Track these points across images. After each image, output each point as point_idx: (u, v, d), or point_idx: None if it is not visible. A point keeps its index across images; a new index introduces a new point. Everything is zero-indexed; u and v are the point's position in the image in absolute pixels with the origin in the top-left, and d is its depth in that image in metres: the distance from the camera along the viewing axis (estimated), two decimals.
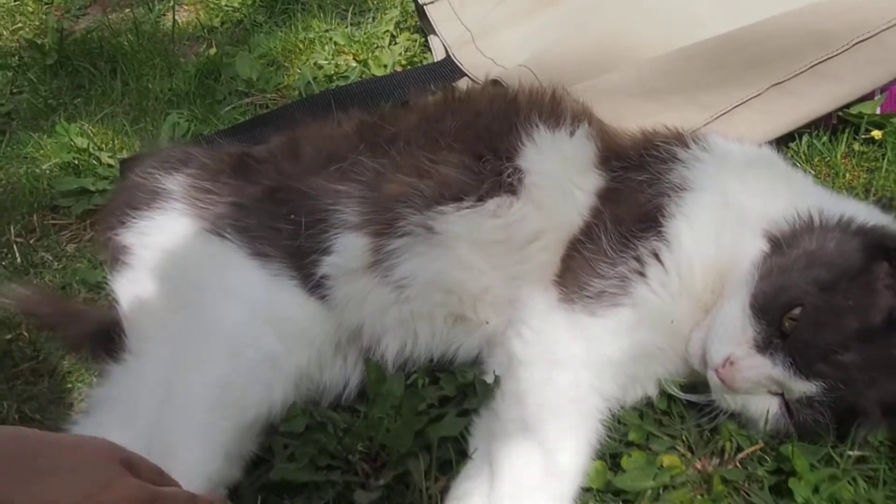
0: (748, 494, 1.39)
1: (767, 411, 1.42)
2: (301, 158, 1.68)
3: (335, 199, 1.58)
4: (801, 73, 1.96)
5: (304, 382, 1.53)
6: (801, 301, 1.36)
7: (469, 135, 1.62)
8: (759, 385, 1.40)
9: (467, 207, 1.55)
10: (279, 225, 1.58)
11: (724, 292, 1.48)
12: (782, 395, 1.40)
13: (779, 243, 1.47)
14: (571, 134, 1.65)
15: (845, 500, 1.35)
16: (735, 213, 1.52)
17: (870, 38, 1.91)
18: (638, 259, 1.48)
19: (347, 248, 1.56)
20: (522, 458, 1.36)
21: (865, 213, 1.52)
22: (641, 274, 1.48)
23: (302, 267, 1.56)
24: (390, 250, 1.55)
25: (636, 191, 1.58)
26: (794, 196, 1.55)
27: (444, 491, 1.41)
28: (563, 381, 1.42)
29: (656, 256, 1.48)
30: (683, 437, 1.49)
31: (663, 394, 1.54)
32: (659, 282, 1.47)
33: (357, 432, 1.47)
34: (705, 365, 1.44)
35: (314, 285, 1.56)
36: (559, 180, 1.60)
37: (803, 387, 1.36)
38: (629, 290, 1.47)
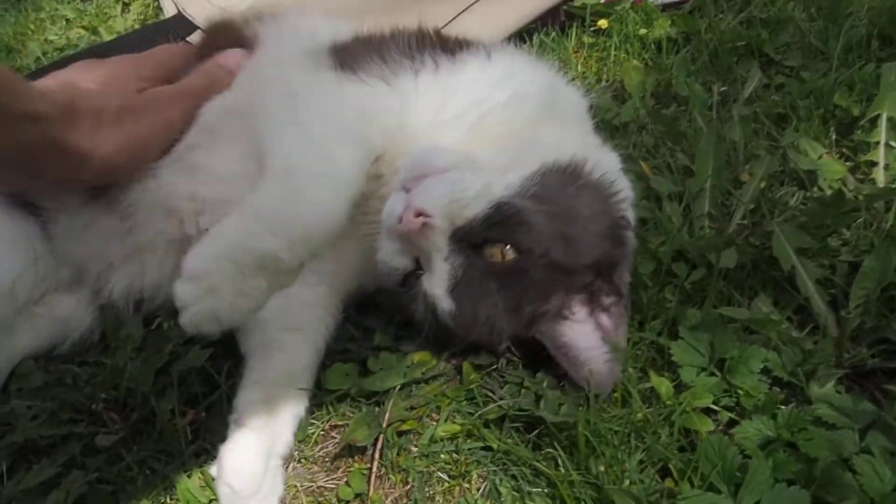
0: (502, 376, 1.38)
1: (397, 264, 1.36)
2: None
3: None
4: None
5: None
6: (521, 253, 1.28)
7: None
8: (415, 253, 1.33)
9: None
10: None
11: (497, 156, 1.38)
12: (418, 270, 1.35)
13: (575, 177, 1.36)
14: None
15: None
16: (551, 102, 1.48)
17: None
18: (422, 61, 1.44)
19: None
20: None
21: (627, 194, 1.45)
22: (415, 72, 1.42)
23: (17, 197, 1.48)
24: None
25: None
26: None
27: (193, 423, 1.35)
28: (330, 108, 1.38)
29: (436, 65, 1.43)
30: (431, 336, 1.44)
31: None
32: (426, 82, 1.41)
33: (100, 382, 1.39)
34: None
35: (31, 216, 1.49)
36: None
37: (439, 296, 1.30)
38: (398, 75, 1.42)
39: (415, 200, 1.27)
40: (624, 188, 1.42)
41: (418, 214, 1.26)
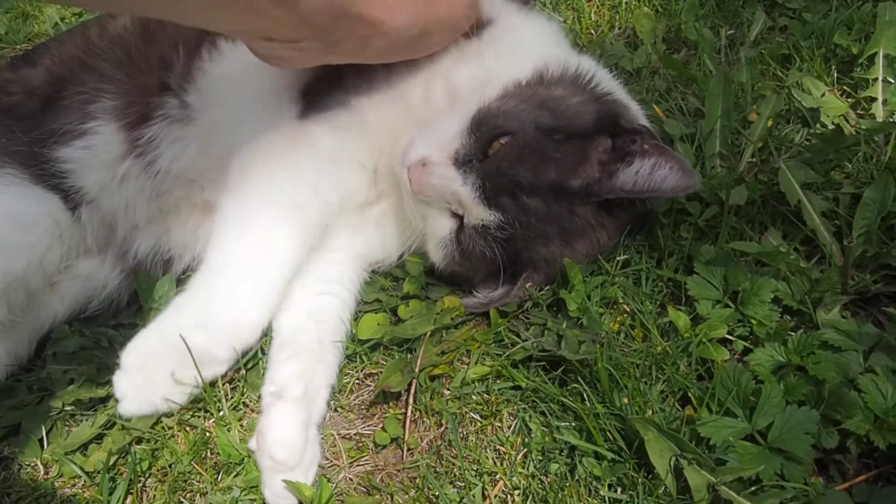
0: (527, 318, 1.41)
1: (444, 231, 1.42)
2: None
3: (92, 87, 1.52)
4: None
5: (18, 288, 1.42)
6: (513, 131, 1.34)
7: None
8: (442, 198, 1.38)
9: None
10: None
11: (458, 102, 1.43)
12: (462, 219, 1.39)
13: (539, 80, 1.44)
14: None
15: (614, 300, 1.40)
16: (514, 42, 1.51)
17: None
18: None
19: (101, 138, 1.51)
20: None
21: (617, 91, 1.51)
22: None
23: (43, 166, 1.50)
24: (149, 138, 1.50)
25: None
26: (568, 51, 1.57)
27: (231, 381, 1.38)
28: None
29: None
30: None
31: None
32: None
33: None
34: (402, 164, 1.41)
35: (58, 186, 1.51)
36: None
37: (483, 213, 1.34)
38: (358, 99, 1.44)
39: (408, 159, 1.37)
40: (594, 74, 1.46)
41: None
